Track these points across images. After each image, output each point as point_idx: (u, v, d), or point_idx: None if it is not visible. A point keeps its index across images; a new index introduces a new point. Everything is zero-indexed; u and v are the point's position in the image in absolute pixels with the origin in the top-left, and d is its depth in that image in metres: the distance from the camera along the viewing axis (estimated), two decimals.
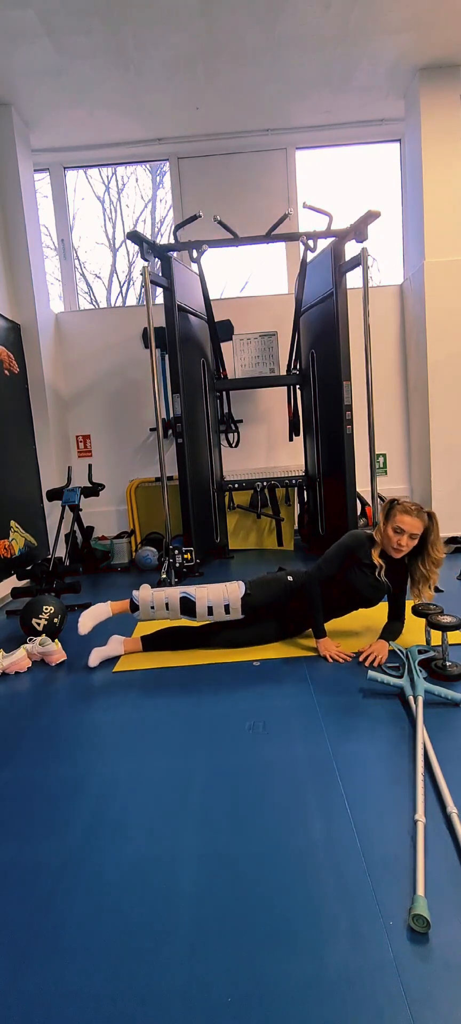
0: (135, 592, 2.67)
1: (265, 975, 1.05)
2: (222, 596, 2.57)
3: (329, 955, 1.08)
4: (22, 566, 3.66)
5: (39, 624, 2.90)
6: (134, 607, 2.65)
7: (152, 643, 2.70)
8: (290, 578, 2.67)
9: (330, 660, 2.46)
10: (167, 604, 2.60)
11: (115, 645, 2.67)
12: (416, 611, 2.50)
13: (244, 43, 3.88)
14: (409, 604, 2.60)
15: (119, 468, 5.28)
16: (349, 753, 1.74)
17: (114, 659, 2.64)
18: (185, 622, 2.69)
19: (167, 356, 4.21)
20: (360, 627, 2.79)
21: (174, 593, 2.62)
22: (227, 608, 2.56)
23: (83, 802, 1.62)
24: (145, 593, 2.65)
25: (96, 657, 2.59)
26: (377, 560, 2.45)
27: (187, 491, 4.11)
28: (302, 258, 4.35)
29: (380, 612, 2.71)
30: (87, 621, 2.63)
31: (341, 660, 2.45)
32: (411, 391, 5.10)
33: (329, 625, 2.63)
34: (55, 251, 5.38)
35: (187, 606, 2.58)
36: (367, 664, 2.33)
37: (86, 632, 2.61)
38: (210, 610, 2.57)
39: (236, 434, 4.94)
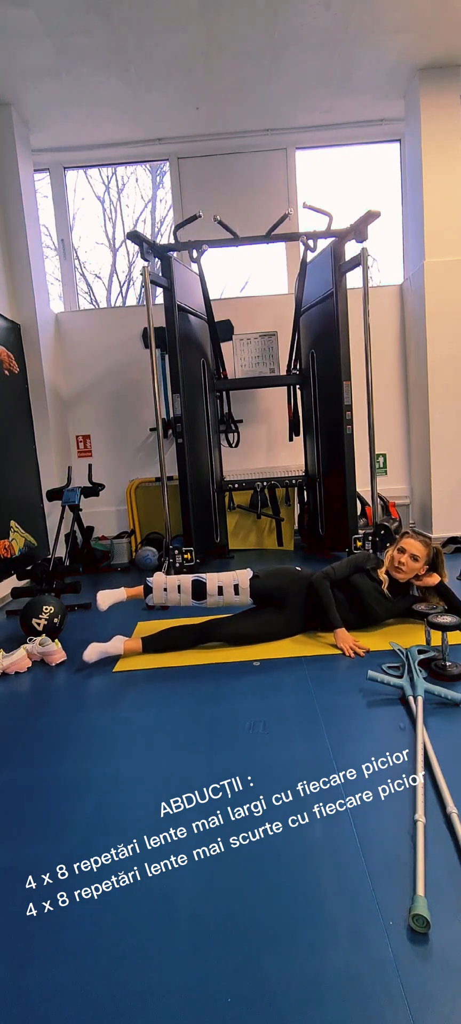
0: (149, 577, 2.84)
1: (265, 975, 1.05)
2: (232, 578, 2.71)
3: (329, 955, 1.08)
4: (22, 566, 3.66)
5: (39, 624, 2.90)
6: (148, 590, 2.81)
7: (152, 644, 2.69)
8: (298, 568, 2.81)
9: (348, 653, 2.46)
10: (179, 587, 2.75)
11: (116, 644, 2.68)
12: (416, 611, 2.50)
13: (244, 43, 3.88)
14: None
15: (119, 468, 5.28)
16: (349, 753, 1.74)
17: (114, 659, 2.63)
18: (188, 621, 2.73)
19: (167, 356, 4.20)
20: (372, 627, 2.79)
21: (186, 578, 2.77)
22: (237, 589, 2.68)
23: (83, 802, 1.62)
24: (159, 578, 2.82)
25: (93, 652, 2.60)
26: (382, 575, 2.64)
27: (187, 491, 4.11)
28: (302, 258, 4.35)
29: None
30: (106, 599, 2.83)
31: (361, 654, 2.46)
32: (411, 391, 5.10)
33: None
34: (55, 251, 5.38)
35: (198, 589, 2.72)
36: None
37: (105, 608, 2.81)
38: (220, 590, 2.69)
39: (236, 434, 4.94)
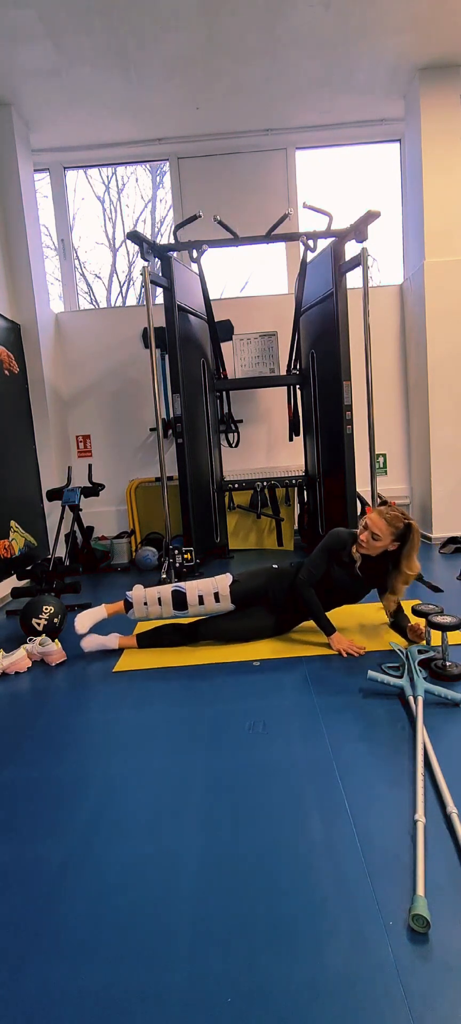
0: (128, 592, 2.76)
1: (265, 975, 1.05)
2: (211, 586, 2.66)
3: (329, 955, 1.08)
4: (22, 566, 3.65)
5: (39, 624, 2.90)
6: (128, 606, 2.74)
7: (147, 639, 2.74)
8: (275, 566, 2.78)
9: (345, 655, 2.46)
10: (159, 599, 2.69)
11: (111, 638, 2.74)
12: (416, 611, 2.50)
13: (244, 43, 3.88)
14: (409, 604, 2.61)
15: (119, 468, 5.28)
16: (349, 753, 1.74)
17: (113, 660, 2.64)
18: (179, 620, 2.74)
19: (167, 356, 4.21)
20: (355, 624, 2.80)
21: (166, 589, 2.71)
22: (217, 596, 2.64)
23: (83, 802, 1.62)
24: (138, 592, 2.74)
25: (92, 643, 2.68)
26: (355, 554, 2.53)
27: (187, 491, 4.11)
28: (302, 258, 4.35)
29: (369, 610, 2.71)
30: (85, 620, 2.72)
31: (355, 653, 2.46)
32: (411, 391, 5.10)
33: None
34: (55, 251, 5.37)
35: (178, 599, 2.66)
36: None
37: (83, 631, 2.70)
38: (201, 599, 2.65)
39: (236, 434, 4.94)
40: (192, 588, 2.67)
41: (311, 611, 2.60)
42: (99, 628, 2.75)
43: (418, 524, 4.20)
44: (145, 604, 2.71)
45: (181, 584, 2.71)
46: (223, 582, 2.66)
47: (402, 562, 2.47)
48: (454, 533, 4.54)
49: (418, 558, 2.51)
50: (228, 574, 2.72)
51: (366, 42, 3.99)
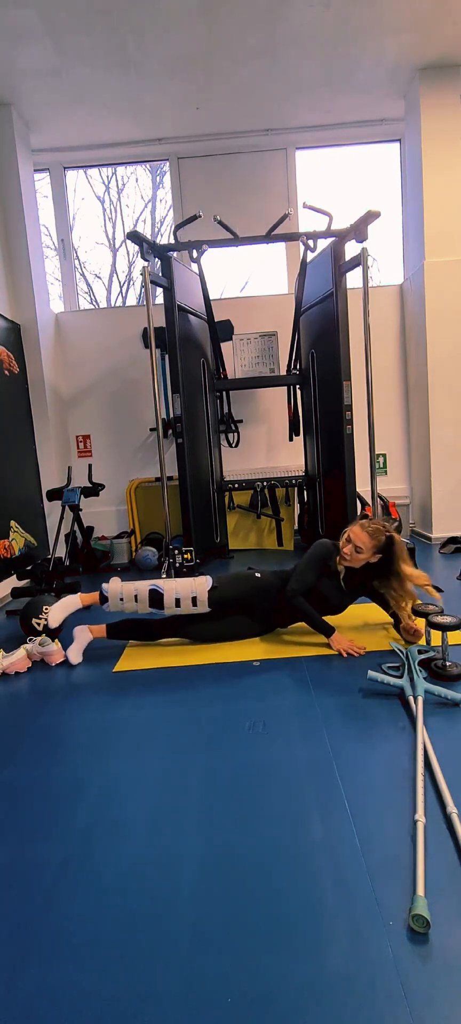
0: (105, 584, 2.73)
1: (265, 975, 1.05)
2: (190, 589, 2.64)
3: (329, 955, 1.08)
4: (22, 566, 3.66)
5: (39, 624, 2.90)
6: (104, 599, 2.72)
7: (116, 630, 2.74)
8: (258, 575, 2.76)
9: (345, 655, 2.46)
10: (136, 596, 2.67)
11: (83, 634, 2.71)
12: (416, 611, 2.50)
13: (244, 43, 3.88)
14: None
15: (119, 468, 5.28)
16: (349, 753, 1.74)
17: (113, 660, 2.64)
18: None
19: (167, 356, 4.21)
20: (355, 624, 2.79)
21: (143, 585, 2.68)
22: (194, 600, 2.62)
23: (83, 802, 1.62)
24: (115, 585, 2.72)
25: (76, 654, 2.65)
26: (339, 565, 2.57)
27: (187, 491, 4.11)
28: (302, 258, 4.35)
29: (369, 610, 2.71)
30: (57, 614, 2.72)
31: (355, 653, 2.46)
32: (411, 391, 5.10)
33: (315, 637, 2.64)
34: (55, 251, 5.37)
35: (155, 598, 2.64)
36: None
37: (56, 624, 2.69)
38: (177, 602, 2.63)
39: (236, 434, 4.94)
40: (170, 589, 2.64)
41: (306, 618, 2.60)
42: (76, 619, 2.75)
43: (418, 524, 4.20)
44: (121, 600, 2.68)
45: (159, 583, 2.68)
46: (202, 587, 2.63)
47: (396, 571, 2.49)
48: (454, 533, 4.54)
49: (418, 559, 2.52)
50: (208, 577, 2.69)
51: (366, 42, 3.99)
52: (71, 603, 2.77)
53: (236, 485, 4.64)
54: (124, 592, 2.69)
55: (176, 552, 3.91)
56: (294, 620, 2.77)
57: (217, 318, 4.61)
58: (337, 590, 2.61)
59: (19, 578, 3.75)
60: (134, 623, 2.75)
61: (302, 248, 4.26)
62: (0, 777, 1.79)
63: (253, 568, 2.86)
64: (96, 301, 6.23)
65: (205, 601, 2.62)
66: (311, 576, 2.60)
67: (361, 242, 3.79)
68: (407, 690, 2.02)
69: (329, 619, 2.62)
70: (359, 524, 2.53)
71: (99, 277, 6.32)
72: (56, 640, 2.79)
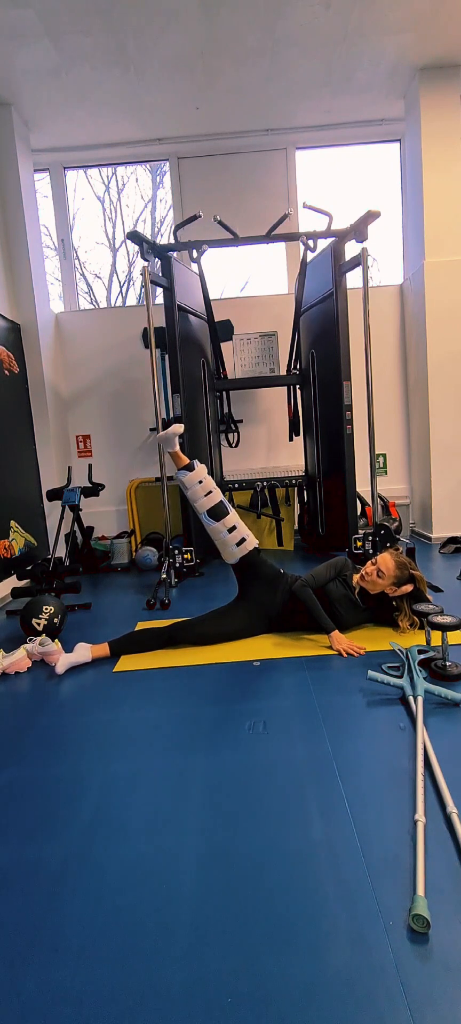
0: (196, 461, 2.86)
1: (265, 975, 1.05)
2: (245, 531, 2.80)
3: (329, 955, 1.08)
4: (22, 566, 3.66)
5: (39, 624, 2.90)
6: (191, 467, 2.84)
7: (119, 647, 2.69)
8: (282, 571, 2.84)
9: (345, 654, 2.46)
10: (210, 492, 2.80)
11: (82, 652, 2.63)
12: (416, 611, 2.50)
13: (244, 43, 3.88)
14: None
15: (119, 468, 5.28)
16: (349, 753, 1.74)
17: (113, 660, 2.64)
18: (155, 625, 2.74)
19: (167, 356, 4.20)
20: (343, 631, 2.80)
21: (218, 494, 2.83)
22: (241, 542, 2.77)
23: (83, 802, 1.62)
24: (202, 471, 2.84)
25: (64, 664, 2.56)
26: (356, 580, 2.69)
27: None
28: (302, 258, 4.35)
29: None
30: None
31: (355, 654, 2.46)
32: (411, 391, 5.10)
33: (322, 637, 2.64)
34: (55, 251, 5.38)
35: (218, 511, 2.79)
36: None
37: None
38: (231, 530, 2.77)
39: (236, 434, 4.94)
40: (232, 516, 2.79)
41: (308, 607, 2.62)
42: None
43: (418, 524, 4.21)
44: (200, 483, 2.81)
45: (228, 505, 2.83)
46: (252, 539, 2.79)
47: (406, 604, 2.62)
48: (454, 533, 4.54)
49: (418, 559, 2.55)
50: (256, 541, 2.82)
51: (366, 42, 3.99)
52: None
53: (236, 485, 4.63)
54: (205, 481, 2.82)
55: (176, 552, 3.91)
56: (294, 628, 2.77)
57: (217, 318, 4.61)
58: (346, 600, 2.68)
59: (19, 578, 3.75)
60: (138, 644, 2.72)
61: (302, 248, 4.26)
62: (0, 777, 1.79)
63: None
64: (96, 301, 6.23)
65: (247, 551, 2.77)
66: (324, 576, 2.70)
67: (361, 242, 3.79)
68: (407, 690, 2.02)
69: None
70: (388, 552, 2.64)
71: (99, 277, 6.31)
72: (56, 640, 2.79)
